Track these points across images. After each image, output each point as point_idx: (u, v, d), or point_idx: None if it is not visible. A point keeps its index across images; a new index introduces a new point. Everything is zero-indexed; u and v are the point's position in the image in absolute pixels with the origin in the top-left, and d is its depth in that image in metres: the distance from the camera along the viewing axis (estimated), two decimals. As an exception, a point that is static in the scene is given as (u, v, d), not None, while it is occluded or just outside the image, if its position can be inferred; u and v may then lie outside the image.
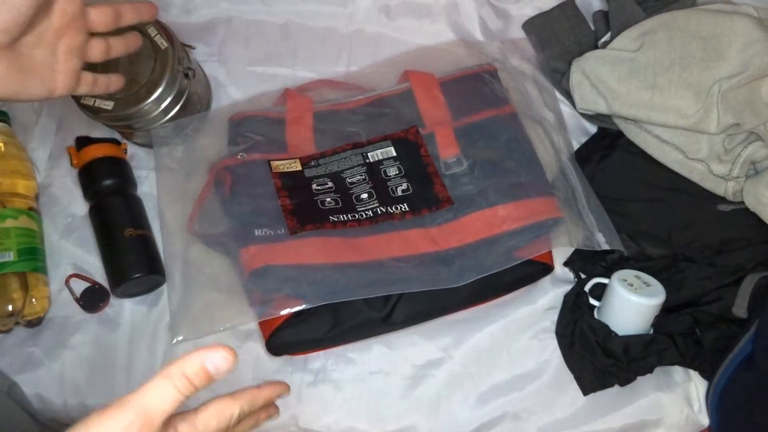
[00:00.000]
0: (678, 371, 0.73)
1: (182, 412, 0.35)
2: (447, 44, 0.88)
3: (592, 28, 0.86)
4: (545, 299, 0.76)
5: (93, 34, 0.53)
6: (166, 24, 0.77)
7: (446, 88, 0.80)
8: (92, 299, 0.77)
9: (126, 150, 0.83)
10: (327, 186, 0.74)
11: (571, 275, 0.78)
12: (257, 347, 0.74)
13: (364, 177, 0.75)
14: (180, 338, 0.70)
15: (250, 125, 0.78)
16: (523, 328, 0.75)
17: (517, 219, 0.71)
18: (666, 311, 0.72)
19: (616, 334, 0.70)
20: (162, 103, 0.75)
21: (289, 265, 0.68)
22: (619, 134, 0.80)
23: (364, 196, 0.73)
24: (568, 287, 0.76)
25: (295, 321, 0.69)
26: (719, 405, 0.69)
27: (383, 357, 0.74)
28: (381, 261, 0.69)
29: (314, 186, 0.74)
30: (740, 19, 0.73)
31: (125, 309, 0.77)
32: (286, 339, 0.70)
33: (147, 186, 0.82)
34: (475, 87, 0.81)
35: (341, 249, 0.69)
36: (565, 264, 0.78)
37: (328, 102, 0.81)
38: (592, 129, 0.84)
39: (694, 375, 0.72)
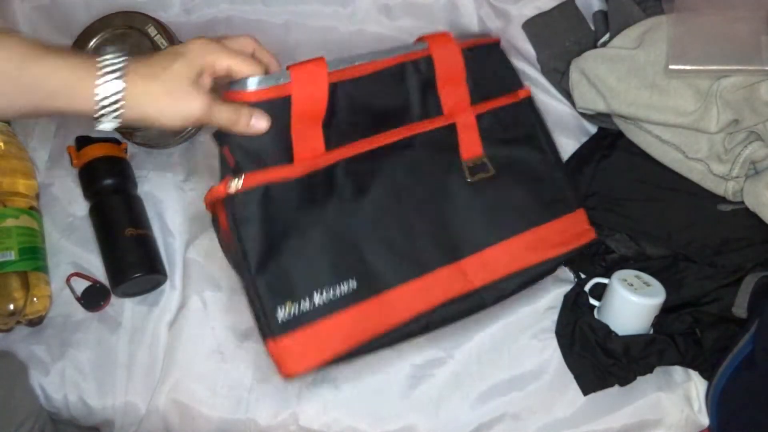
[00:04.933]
0: (678, 371, 0.73)
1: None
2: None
3: (592, 28, 0.86)
4: (545, 299, 0.76)
5: None
6: (166, 24, 0.77)
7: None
8: (93, 298, 0.77)
9: (126, 150, 0.83)
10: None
11: (571, 275, 0.78)
12: (257, 347, 0.74)
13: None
14: None
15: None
16: (523, 328, 0.75)
17: (554, 245, 0.66)
18: (666, 311, 0.71)
19: (616, 334, 0.70)
20: (162, 102, 0.74)
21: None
22: (619, 134, 0.80)
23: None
24: (568, 287, 0.76)
25: None
26: (719, 405, 0.69)
27: (383, 357, 0.74)
28: (411, 319, 0.60)
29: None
30: (740, 18, 0.73)
31: (126, 308, 0.77)
32: None
33: (147, 186, 0.82)
34: (488, 62, 0.69)
35: (370, 318, 0.58)
36: (565, 264, 0.78)
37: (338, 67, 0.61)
38: (592, 129, 0.84)
39: (694, 375, 0.72)
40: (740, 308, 0.70)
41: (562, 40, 0.86)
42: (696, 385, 0.72)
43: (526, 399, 0.72)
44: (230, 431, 0.72)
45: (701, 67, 0.73)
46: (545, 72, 0.85)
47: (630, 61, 0.76)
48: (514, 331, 0.75)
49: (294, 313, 0.54)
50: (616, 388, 0.71)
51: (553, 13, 0.87)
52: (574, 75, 0.80)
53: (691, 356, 0.70)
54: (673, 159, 0.76)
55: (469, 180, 0.65)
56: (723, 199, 0.74)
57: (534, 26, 0.87)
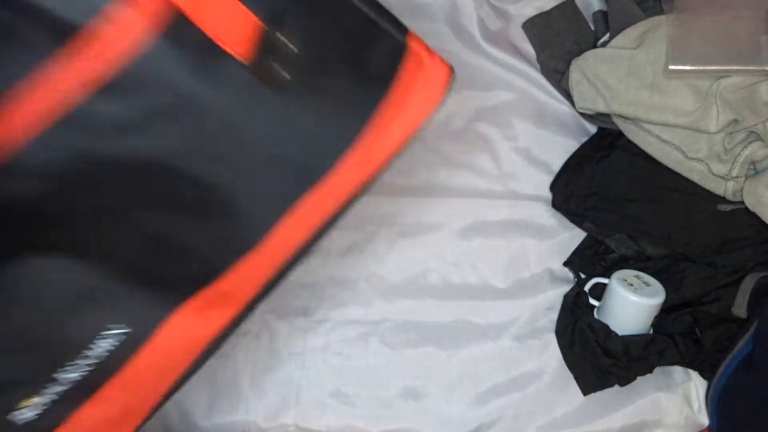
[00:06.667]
0: (678, 371, 0.73)
1: None
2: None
3: (592, 28, 0.86)
4: (545, 299, 0.76)
5: None
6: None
7: None
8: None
9: (125, 149, 0.83)
10: None
11: (571, 275, 0.78)
12: (256, 345, 0.74)
13: None
14: None
15: None
16: (523, 328, 0.75)
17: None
18: (666, 311, 0.72)
19: (616, 334, 0.70)
20: (162, 102, 0.74)
21: None
22: (619, 134, 0.80)
23: None
24: (568, 287, 0.76)
25: None
26: (719, 405, 0.69)
27: (382, 356, 0.74)
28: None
29: None
30: (740, 19, 0.73)
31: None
32: None
33: (146, 185, 0.82)
34: None
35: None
36: (565, 264, 0.78)
37: None
38: (592, 129, 0.84)
39: (694, 375, 0.72)
40: (740, 308, 0.70)
41: (562, 40, 0.86)
42: (696, 385, 0.72)
43: (526, 399, 0.72)
44: (230, 431, 0.72)
45: (701, 67, 0.73)
46: (545, 72, 0.85)
47: (630, 61, 0.76)
48: (514, 332, 0.74)
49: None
50: (616, 388, 0.71)
51: (553, 13, 0.87)
52: (574, 75, 0.80)
53: (691, 356, 0.70)
54: (673, 159, 0.76)
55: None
56: (723, 199, 0.74)
57: (534, 26, 0.87)
